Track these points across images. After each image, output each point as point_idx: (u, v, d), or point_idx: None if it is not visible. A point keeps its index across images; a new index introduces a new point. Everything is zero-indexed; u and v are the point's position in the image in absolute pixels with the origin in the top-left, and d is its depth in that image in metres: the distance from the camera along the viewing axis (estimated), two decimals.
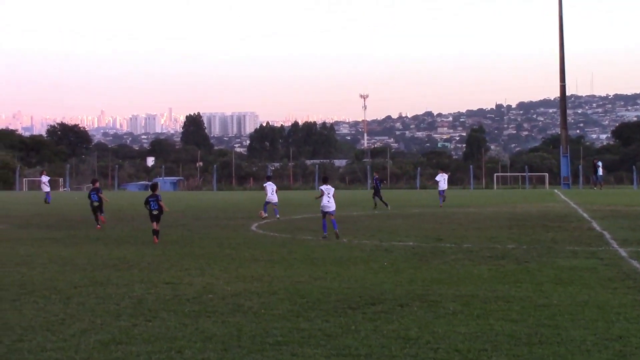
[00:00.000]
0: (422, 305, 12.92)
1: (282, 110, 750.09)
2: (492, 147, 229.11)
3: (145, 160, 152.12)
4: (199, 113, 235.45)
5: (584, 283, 15.22)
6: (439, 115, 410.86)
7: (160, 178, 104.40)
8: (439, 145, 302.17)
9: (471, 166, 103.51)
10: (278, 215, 35.79)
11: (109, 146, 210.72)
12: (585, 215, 35.55)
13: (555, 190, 75.11)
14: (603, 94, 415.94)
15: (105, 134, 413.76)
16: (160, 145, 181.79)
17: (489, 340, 10.37)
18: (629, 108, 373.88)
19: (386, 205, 43.02)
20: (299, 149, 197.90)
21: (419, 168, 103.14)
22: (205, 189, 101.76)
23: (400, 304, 12.97)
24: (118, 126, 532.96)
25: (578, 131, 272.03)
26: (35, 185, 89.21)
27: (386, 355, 9.67)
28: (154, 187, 26.45)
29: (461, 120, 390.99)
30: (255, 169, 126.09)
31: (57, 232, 28.47)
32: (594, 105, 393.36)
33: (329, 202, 25.81)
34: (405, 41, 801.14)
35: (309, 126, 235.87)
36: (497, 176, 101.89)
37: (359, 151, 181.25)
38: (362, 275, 16.49)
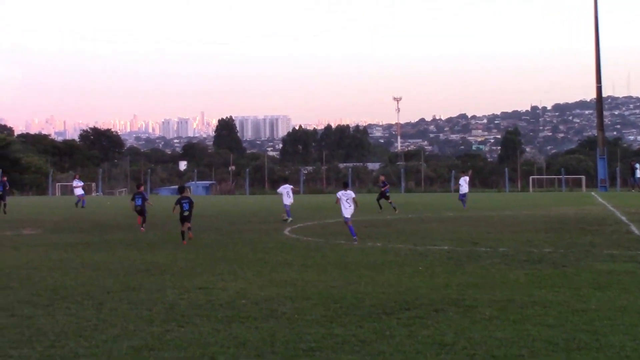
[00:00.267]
0: (457, 310, 12.84)
1: (315, 113, 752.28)
2: (528, 149, 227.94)
3: (177, 165, 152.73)
4: (231, 117, 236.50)
5: (623, 287, 15.06)
6: (473, 117, 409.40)
7: (193, 182, 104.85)
8: (474, 147, 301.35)
9: (506, 169, 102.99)
10: (288, 218, 35.94)
11: (142, 150, 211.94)
12: (623, 218, 35.23)
13: (592, 193, 74.50)
14: None
15: (137, 139, 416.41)
16: (192, 149, 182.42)
17: (526, 346, 10.27)
18: None
19: (394, 209, 42.90)
20: (332, 152, 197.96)
21: (453, 171, 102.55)
22: (237, 193, 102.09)
23: (436, 309, 12.89)
24: (150, 130, 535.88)
25: (615, 133, 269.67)
26: (68, 190, 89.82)
27: None
28: (182, 189, 27.07)
29: (496, 122, 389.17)
30: (288, 172, 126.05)
31: (90, 237, 28.63)
32: (631, 106, 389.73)
33: (346, 208, 25.96)
34: (439, 42, 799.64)
35: (342, 129, 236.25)
36: (532, 179, 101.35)
37: (392, 154, 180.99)
38: (396, 279, 16.43)
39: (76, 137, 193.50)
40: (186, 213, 25.68)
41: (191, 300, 14.12)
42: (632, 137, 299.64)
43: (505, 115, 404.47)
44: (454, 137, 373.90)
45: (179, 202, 25.90)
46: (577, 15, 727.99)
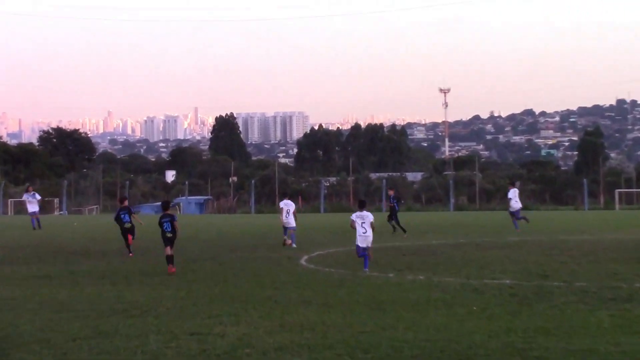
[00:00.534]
0: None
1: (339, 109, 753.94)
2: (613, 155, 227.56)
3: (163, 175, 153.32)
4: (232, 114, 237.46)
5: None
6: (542, 114, 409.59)
7: (183, 197, 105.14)
8: (543, 153, 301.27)
9: (585, 180, 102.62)
10: (294, 244, 36.59)
11: (118, 157, 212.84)
12: None
13: None
14: None
15: (112, 142, 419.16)
16: (182, 156, 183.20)
17: None
18: None
19: (404, 231, 43.98)
20: (361, 159, 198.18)
21: (517, 183, 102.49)
22: (240, 211, 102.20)
23: None
24: (129, 131, 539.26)
25: None
26: (24, 208, 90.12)
27: None
28: (166, 205, 27.51)
29: (571, 120, 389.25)
30: (305, 184, 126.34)
31: (52, 268, 28.62)
32: None
33: (362, 234, 26.10)
34: (496, 18, 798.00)
35: (374, 129, 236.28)
36: (619, 193, 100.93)
37: (438, 161, 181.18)
38: (444, 323, 16.37)
39: (34, 140, 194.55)
40: (169, 235, 25.86)
41: (180, 349, 14.10)
42: None
43: (583, 112, 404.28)
44: (517, 139, 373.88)
45: (160, 222, 26.41)
46: None
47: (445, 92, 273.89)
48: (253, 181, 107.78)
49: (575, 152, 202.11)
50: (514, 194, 48.29)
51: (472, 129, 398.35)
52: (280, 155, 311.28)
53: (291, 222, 37.30)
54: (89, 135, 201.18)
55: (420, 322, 16.54)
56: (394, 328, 15.86)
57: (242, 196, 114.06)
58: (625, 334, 15.04)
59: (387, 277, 24.42)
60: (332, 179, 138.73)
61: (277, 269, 27.49)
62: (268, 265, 28.61)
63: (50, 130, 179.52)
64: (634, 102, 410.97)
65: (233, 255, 32.92)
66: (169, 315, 17.76)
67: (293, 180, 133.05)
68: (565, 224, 53.24)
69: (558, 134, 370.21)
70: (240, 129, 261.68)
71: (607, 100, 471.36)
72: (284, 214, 37.38)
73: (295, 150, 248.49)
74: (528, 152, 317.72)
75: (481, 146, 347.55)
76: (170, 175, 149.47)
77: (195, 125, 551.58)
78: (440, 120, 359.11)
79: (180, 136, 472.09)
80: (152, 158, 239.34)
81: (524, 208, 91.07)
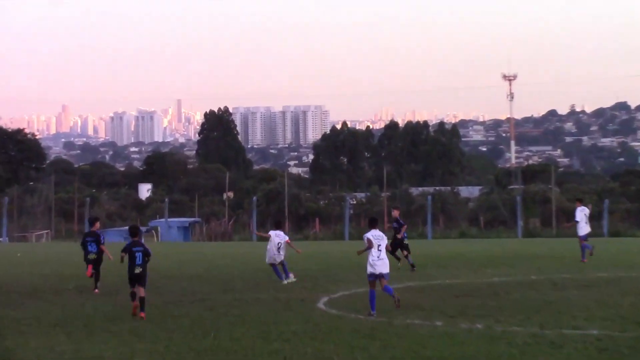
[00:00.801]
0: None
1: (368, 102, 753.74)
2: None
3: (136, 189, 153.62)
4: (226, 108, 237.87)
5: None
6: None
7: (162, 220, 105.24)
8: None
9: None
10: (285, 281, 37.33)
11: (76, 165, 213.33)
12: None
13: None
14: None
15: (68, 145, 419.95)
16: (161, 164, 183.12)
17: None
18: None
19: (397, 259, 43.57)
20: (399, 168, 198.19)
21: (606, 200, 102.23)
22: (238, 237, 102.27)
23: None
24: (90, 132, 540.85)
25: None
26: None
27: None
28: (134, 231, 27.48)
29: None
30: (323, 203, 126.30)
31: None
32: None
33: (379, 258, 26.48)
34: None
35: (415, 129, 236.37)
36: None
37: (501, 172, 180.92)
38: None
39: None
40: (138, 270, 25.82)
41: None
42: None
43: None
44: (606, 141, 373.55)
45: (128, 249, 26.32)
46: None
47: (510, 80, 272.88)
48: (255, 198, 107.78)
49: None
50: (581, 212, 48.15)
51: (546, 127, 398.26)
52: (291, 163, 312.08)
53: (282, 256, 37.80)
54: (38, 137, 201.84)
55: None
56: None
57: (241, 218, 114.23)
58: None
59: (434, 326, 24.43)
60: (361, 195, 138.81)
61: (286, 314, 27.53)
62: (274, 310, 28.65)
63: None
64: None
65: (228, 297, 32.97)
66: None
67: (308, 196, 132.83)
68: None
69: None
70: (238, 128, 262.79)
71: None
72: (275, 246, 37.71)
73: (311, 156, 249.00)
74: (621, 158, 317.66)
75: (558, 151, 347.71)
76: (144, 190, 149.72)
77: (177, 123, 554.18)
78: (503, 117, 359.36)
79: (158, 138, 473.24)
80: (120, 167, 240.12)
81: (615, 234, 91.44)
